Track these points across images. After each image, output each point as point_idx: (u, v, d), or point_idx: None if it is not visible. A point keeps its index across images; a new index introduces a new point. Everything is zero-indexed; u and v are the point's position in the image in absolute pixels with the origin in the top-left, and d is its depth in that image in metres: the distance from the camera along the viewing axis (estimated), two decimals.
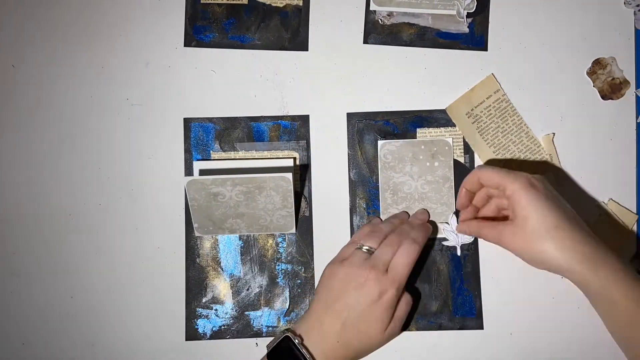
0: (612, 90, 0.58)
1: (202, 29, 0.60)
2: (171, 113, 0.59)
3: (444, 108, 0.59)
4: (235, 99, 0.59)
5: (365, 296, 0.51)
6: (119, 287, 0.58)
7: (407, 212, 0.58)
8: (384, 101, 0.59)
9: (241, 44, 0.60)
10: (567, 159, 0.59)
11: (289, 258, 0.58)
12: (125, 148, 0.59)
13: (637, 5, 0.60)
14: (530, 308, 0.58)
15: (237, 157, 0.59)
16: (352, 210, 0.59)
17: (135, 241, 0.58)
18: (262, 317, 0.58)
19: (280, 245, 0.58)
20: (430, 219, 0.58)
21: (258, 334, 0.58)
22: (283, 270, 0.58)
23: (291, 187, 0.53)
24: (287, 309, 0.58)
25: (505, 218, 0.53)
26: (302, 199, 0.59)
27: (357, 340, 0.51)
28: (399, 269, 0.52)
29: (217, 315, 0.58)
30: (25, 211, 0.58)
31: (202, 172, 0.57)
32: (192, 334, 0.58)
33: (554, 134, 0.58)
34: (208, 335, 0.58)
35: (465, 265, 0.58)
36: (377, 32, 0.60)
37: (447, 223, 0.58)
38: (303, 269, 0.58)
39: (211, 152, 0.59)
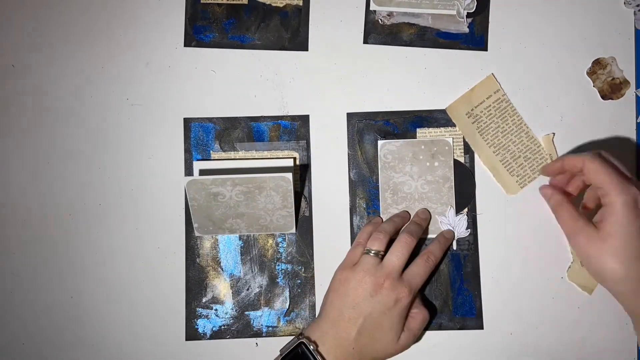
0: (612, 90, 0.58)
1: (202, 29, 0.60)
2: (171, 113, 0.59)
3: (444, 108, 0.59)
4: (235, 99, 0.59)
5: (381, 303, 0.51)
6: (119, 287, 0.58)
7: (407, 212, 0.58)
8: (384, 101, 0.59)
9: (241, 44, 0.60)
10: None
11: (289, 258, 0.58)
12: (125, 148, 0.59)
13: (637, 5, 0.60)
14: (530, 308, 0.58)
15: (237, 157, 0.59)
16: (352, 210, 0.59)
17: (135, 241, 0.58)
18: (262, 317, 0.58)
19: (280, 245, 0.58)
20: (431, 218, 0.58)
21: (258, 334, 0.58)
22: (283, 270, 0.58)
23: (291, 187, 0.53)
24: (287, 309, 0.58)
25: (586, 208, 0.53)
26: (302, 199, 0.59)
27: (371, 347, 0.51)
28: (416, 279, 0.53)
29: (217, 315, 0.58)
30: (25, 211, 0.58)
31: (202, 172, 0.57)
32: (192, 334, 0.58)
33: (554, 134, 0.58)
34: (208, 335, 0.58)
35: (465, 265, 0.58)
36: (377, 32, 0.60)
37: (444, 216, 0.58)
38: (303, 269, 0.58)
39: (211, 152, 0.59)
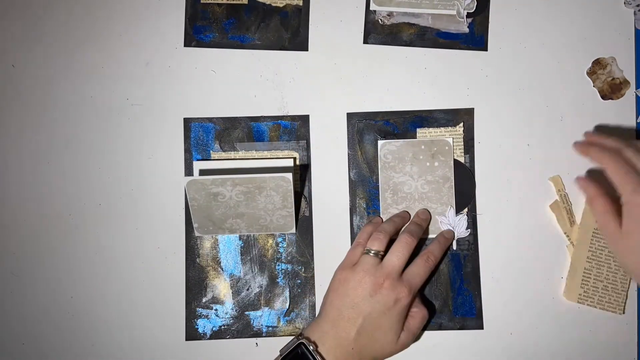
0: (612, 90, 0.58)
1: (202, 29, 0.60)
2: (171, 113, 0.59)
3: (444, 108, 0.59)
4: (235, 99, 0.59)
5: (381, 303, 0.51)
6: (119, 287, 0.58)
7: (407, 212, 0.58)
8: (384, 101, 0.59)
9: (241, 44, 0.60)
10: (567, 159, 0.59)
11: (289, 258, 0.58)
12: (125, 148, 0.59)
13: (637, 5, 0.60)
14: (530, 308, 0.58)
15: (237, 157, 0.59)
16: (352, 210, 0.59)
17: (135, 241, 0.58)
18: (262, 317, 0.58)
19: (280, 245, 0.58)
20: (431, 218, 0.58)
21: (258, 334, 0.58)
22: (283, 270, 0.58)
23: (291, 187, 0.53)
24: (287, 309, 0.58)
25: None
26: (302, 199, 0.59)
27: (371, 347, 0.51)
28: (416, 279, 0.53)
29: (217, 315, 0.58)
30: (25, 211, 0.58)
31: (202, 172, 0.57)
32: (192, 334, 0.58)
33: (560, 177, 0.58)
34: (208, 335, 0.58)
35: (465, 265, 0.58)
36: (377, 32, 0.60)
37: (444, 216, 0.58)
38: (303, 269, 0.58)
39: (211, 152, 0.59)
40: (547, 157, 0.59)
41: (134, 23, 0.60)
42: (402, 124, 0.59)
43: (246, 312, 0.58)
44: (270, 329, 0.58)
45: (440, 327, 0.58)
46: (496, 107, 0.59)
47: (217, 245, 0.58)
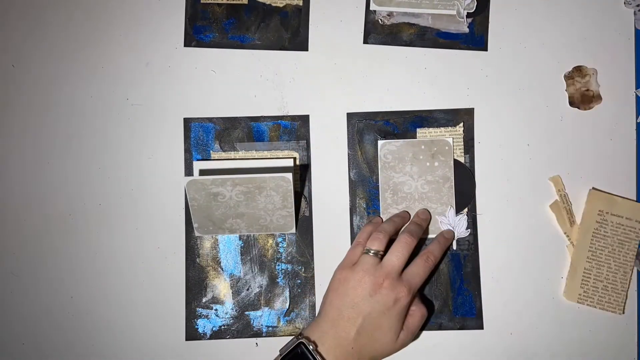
0: (582, 100, 0.57)
1: (202, 29, 0.60)
2: (171, 113, 0.59)
3: (444, 108, 0.59)
4: (235, 99, 0.59)
5: (381, 303, 0.51)
6: (119, 287, 0.58)
7: (407, 212, 0.58)
8: (384, 101, 0.59)
9: (241, 44, 0.60)
10: (567, 159, 0.59)
11: (289, 258, 0.58)
12: (125, 148, 0.59)
13: (637, 5, 0.59)
14: (530, 308, 0.58)
15: (237, 157, 0.59)
16: (352, 210, 0.59)
17: (135, 241, 0.58)
18: (262, 317, 0.58)
19: (280, 245, 0.58)
20: (431, 218, 0.58)
21: (258, 334, 0.58)
22: (283, 270, 0.58)
23: (291, 187, 0.53)
24: (287, 309, 0.58)
25: None
26: (302, 199, 0.59)
27: (371, 347, 0.51)
28: (416, 279, 0.53)
29: (217, 315, 0.58)
30: (25, 211, 0.58)
31: (202, 172, 0.57)
32: (192, 334, 0.58)
33: (560, 177, 0.58)
34: (208, 335, 0.58)
35: (465, 265, 0.58)
36: (377, 32, 0.60)
37: (444, 216, 0.58)
38: (303, 269, 0.58)
39: (211, 152, 0.59)
40: (547, 157, 0.59)
41: (134, 23, 0.60)
42: (402, 124, 0.59)
43: (246, 312, 0.58)
44: (270, 329, 0.58)
45: (440, 327, 0.58)
46: (496, 107, 0.59)
47: (217, 245, 0.58)
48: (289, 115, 0.59)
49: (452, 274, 0.58)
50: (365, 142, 0.59)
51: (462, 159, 0.59)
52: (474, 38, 0.60)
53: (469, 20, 0.60)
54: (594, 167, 0.59)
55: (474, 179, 0.59)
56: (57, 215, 0.58)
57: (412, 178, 0.58)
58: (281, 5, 0.60)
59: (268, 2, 0.60)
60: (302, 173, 0.59)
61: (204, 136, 0.59)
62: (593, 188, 0.58)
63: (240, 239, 0.58)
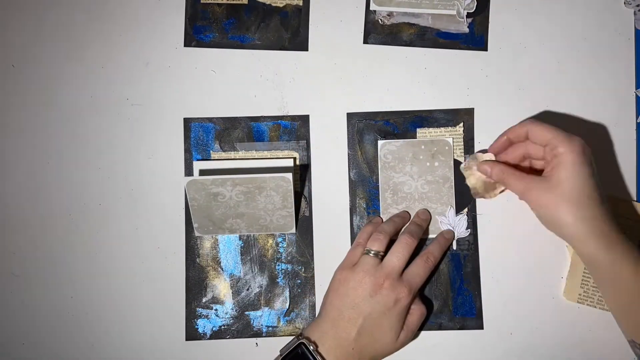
0: (485, 189, 0.56)
1: (202, 29, 0.60)
2: (171, 113, 0.59)
3: (444, 108, 0.59)
4: (235, 99, 0.59)
5: (381, 303, 0.51)
6: (119, 287, 0.58)
7: (407, 212, 0.58)
8: (384, 101, 0.59)
9: (241, 44, 0.60)
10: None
11: (289, 258, 0.58)
12: (125, 148, 0.59)
13: (637, 5, 0.60)
14: (530, 308, 0.58)
15: (237, 157, 0.59)
16: (352, 210, 0.59)
17: (135, 241, 0.58)
18: (262, 317, 0.58)
19: (280, 245, 0.58)
20: (431, 219, 0.58)
21: (258, 334, 0.58)
22: (283, 270, 0.58)
23: (291, 187, 0.53)
24: (287, 309, 0.58)
25: (527, 170, 0.54)
26: (302, 199, 0.59)
27: (371, 347, 0.52)
28: (416, 279, 0.53)
29: (217, 315, 0.58)
30: (25, 211, 0.58)
31: (202, 172, 0.57)
32: (192, 334, 0.58)
33: None
34: (208, 335, 0.58)
35: (465, 265, 0.58)
36: (377, 32, 0.60)
37: (444, 216, 0.58)
38: (303, 269, 0.58)
39: (211, 152, 0.59)
40: None
41: (134, 23, 0.60)
42: (402, 124, 0.59)
43: (246, 312, 0.58)
44: (270, 329, 0.58)
45: (440, 327, 0.58)
46: (496, 107, 0.59)
47: (217, 245, 0.58)
48: (289, 115, 0.59)
49: (452, 274, 0.58)
50: (365, 142, 0.59)
51: (462, 159, 0.59)
52: (474, 38, 0.60)
53: (469, 20, 0.60)
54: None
55: None
56: (57, 215, 0.58)
57: (412, 178, 0.58)
58: (281, 5, 0.60)
59: (268, 2, 0.60)
60: (302, 173, 0.59)
61: (204, 136, 0.59)
62: None
63: (240, 239, 0.58)
